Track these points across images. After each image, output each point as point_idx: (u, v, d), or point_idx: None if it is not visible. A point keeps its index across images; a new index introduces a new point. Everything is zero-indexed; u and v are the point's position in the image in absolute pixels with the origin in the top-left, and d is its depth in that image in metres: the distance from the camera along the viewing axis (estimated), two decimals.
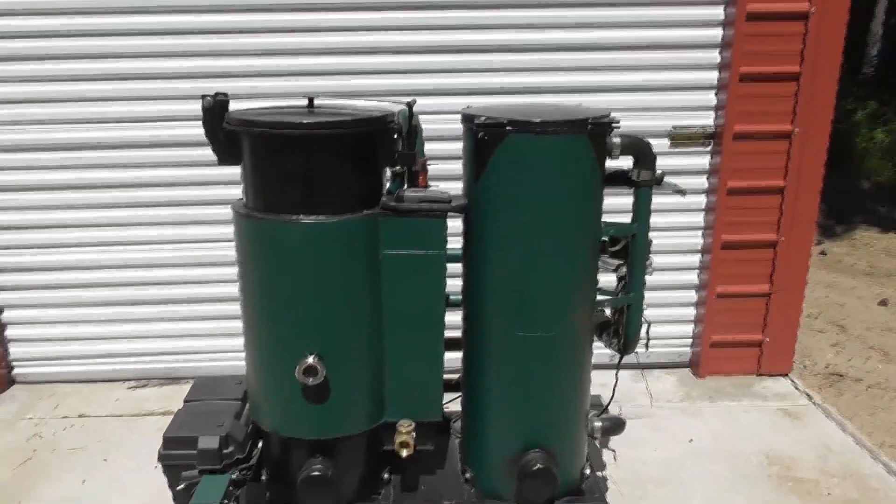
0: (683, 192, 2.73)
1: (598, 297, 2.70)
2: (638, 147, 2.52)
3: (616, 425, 2.94)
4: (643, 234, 2.62)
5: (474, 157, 2.45)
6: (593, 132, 2.37)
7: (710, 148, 4.06)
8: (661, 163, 4.04)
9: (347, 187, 2.39)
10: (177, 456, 2.61)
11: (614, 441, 3.65)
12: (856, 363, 4.85)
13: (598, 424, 2.84)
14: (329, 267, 2.36)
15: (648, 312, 4.32)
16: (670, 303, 4.34)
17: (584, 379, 2.66)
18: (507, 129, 2.32)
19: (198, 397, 2.91)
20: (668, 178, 2.70)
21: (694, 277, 4.30)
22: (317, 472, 2.45)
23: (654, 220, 4.12)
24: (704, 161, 4.09)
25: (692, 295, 4.33)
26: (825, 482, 3.33)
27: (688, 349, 4.43)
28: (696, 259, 4.27)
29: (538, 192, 2.36)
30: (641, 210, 2.60)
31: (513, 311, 2.48)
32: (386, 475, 2.74)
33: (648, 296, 4.28)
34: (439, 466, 2.87)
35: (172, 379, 4.22)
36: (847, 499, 3.21)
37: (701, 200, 4.16)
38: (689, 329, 4.40)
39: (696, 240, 4.23)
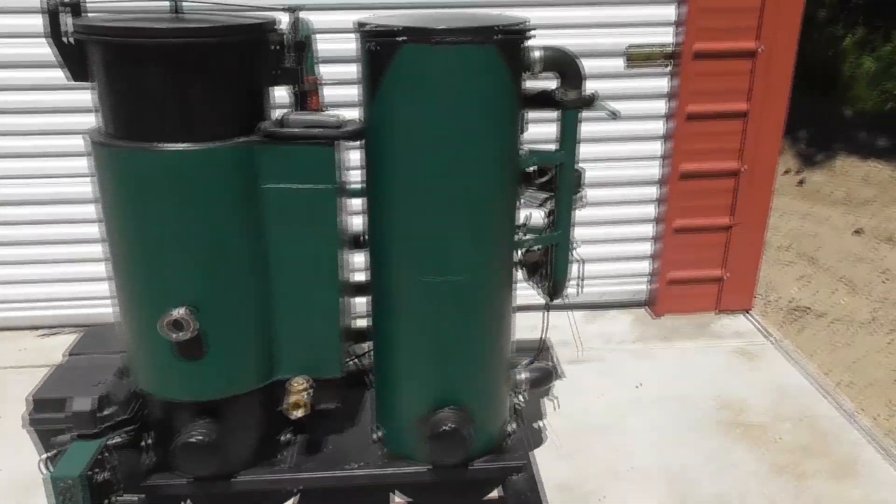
0: (616, 114, 2.38)
1: (524, 237, 2.39)
2: (562, 62, 2.16)
3: (544, 376, 2.67)
4: (570, 162, 2.28)
5: (369, 74, 2.08)
6: (504, 42, 2.00)
7: (669, 69, 3.67)
8: (616, 86, 3.70)
9: (218, 109, 2.02)
10: (48, 419, 2.32)
11: (559, 388, 3.41)
12: (821, 297, 4.61)
13: (523, 377, 2.57)
14: (198, 203, 2.02)
15: (603, 249, 4.05)
16: (626, 238, 4.05)
17: (502, 329, 2.37)
18: (402, 38, 1.94)
19: (82, 351, 2.61)
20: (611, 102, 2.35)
21: (651, 211, 3.99)
22: (194, 439, 2.17)
23: (610, 149, 3.84)
24: (663, 84, 3.72)
25: (649, 229, 4.02)
26: (776, 427, 3.12)
27: (644, 287, 4.16)
28: (653, 191, 3.95)
29: (440, 113, 2.01)
30: (568, 135, 2.25)
31: (417, 253, 2.16)
32: (287, 436, 2.47)
33: (602, 231, 4.01)
34: (351, 425, 2.61)
35: (90, 326, 3.89)
36: (798, 444, 3.00)
37: (659, 127, 3.81)
38: (645, 266, 4.11)
39: (654, 170, 3.90)
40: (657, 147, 3.84)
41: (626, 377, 3.50)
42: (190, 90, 1.97)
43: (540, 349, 2.78)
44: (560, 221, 2.36)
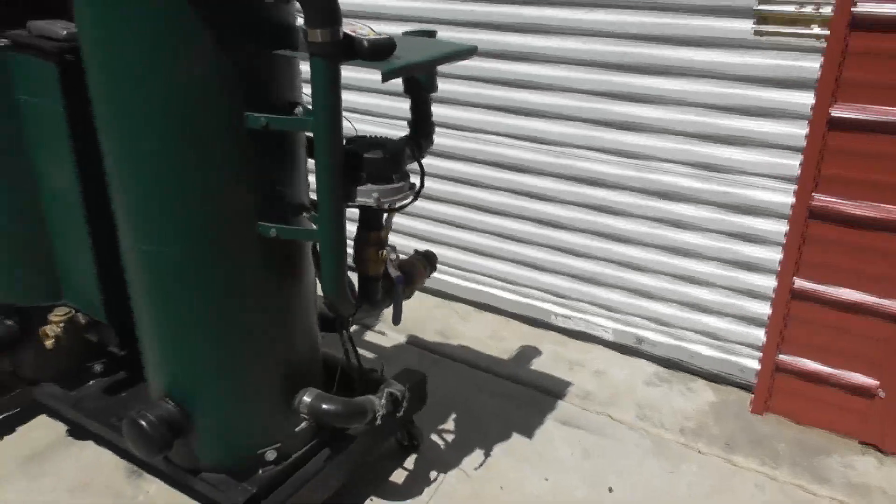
0: (431, 90, 1.56)
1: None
2: None
3: (349, 412, 2.01)
4: (323, 133, 1.59)
5: None
6: None
7: (824, 43, 2.30)
8: (737, 62, 2.50)
9: None
10: None
11: (513, 447, 2.59)
12: None
13: (307, 399, 1.99)
14: None
15: (702, 294, 2.87)
16: (736, 288, 2.79)
17: (254, 324, 1.86)
18: None
19: None
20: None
21: (777, 257, 2.65)
22: None
23: (723, 154, 2.61)
24: (814, 66, 2.35)
25: (771, 283, 2.69)
26: None
27: (755, 365, 2.84)
28: (783, 228, 2.60)
29: (116, 30, 1.58)
30: (316, 93, 1.57)
31: (123, 211, 1.80)
32: (98, 367, 2.38)
33: (703, 269, 2.82)
34: None
35: None
36: None
37: (801, 133, 2.45)
38: (760, 334, 2.79)
39: (788, 197, 2.56)
40: (795, 164, 2.49)
41: (608, 473, 2.47)
42: None
43: (340, 377, 2.12)
44: (320, 212, 1.69)
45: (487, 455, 2.54)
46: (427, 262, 2.15)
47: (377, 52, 1.57)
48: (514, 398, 2.84)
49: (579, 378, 2.99)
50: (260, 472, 2.00)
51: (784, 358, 2.64)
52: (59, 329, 2.11)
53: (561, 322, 3.26)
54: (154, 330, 1.90)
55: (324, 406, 1.99)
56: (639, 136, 2.77)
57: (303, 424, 2.03)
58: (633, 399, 2.86)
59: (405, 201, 1.81)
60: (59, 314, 2.14)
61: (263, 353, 1.91)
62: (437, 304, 3.53)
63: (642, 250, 2.94)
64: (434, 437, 2.63)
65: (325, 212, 1.68)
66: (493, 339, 3.25)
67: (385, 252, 1.86)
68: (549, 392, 2.89)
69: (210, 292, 1.79)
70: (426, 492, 2.38)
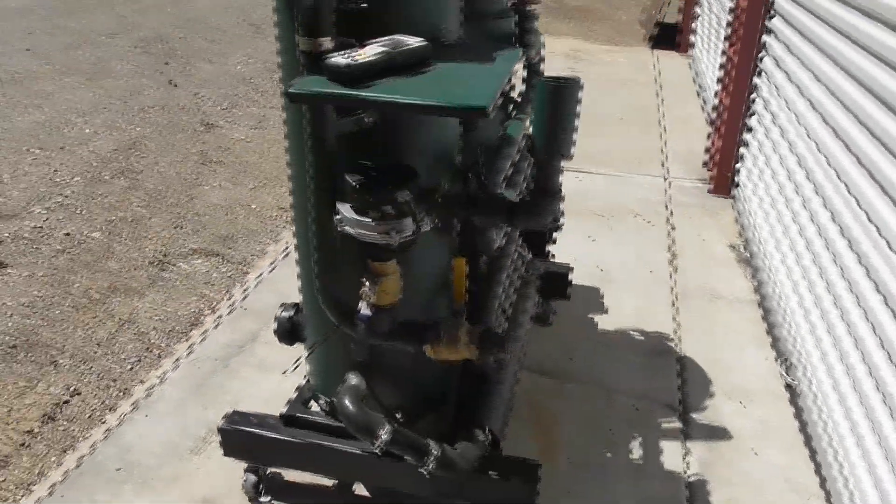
0: None
1: None
2: None
3: (350, 420, 1.94)
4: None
5: None
6: None
7: None
8: None
9: None
10: None
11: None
12: None
13: (347, 381, 2.04)
14: None
15: None
16: None
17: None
18: None
19: None
20: None
21: None
22: None
23: None
24: None
25: None
26: None
27: None
28: None
29: None
30: None
31: None
32: None
33: None
34: None
35: None
36: None
37: None
38: None
39: None
40: None
41: None
42: None
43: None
44: None
45: None
46: (480, 340, 1.79)
47: (346, 76, 1.49)
48: None
49: None
50: (313, 407, 2.27)
51: None
52: None
53: None
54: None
55: (341, 395, 2.01)
56: None
57: (332, 397, 2.13)
58: None
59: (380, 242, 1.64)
60: None
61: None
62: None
63: None
64: None
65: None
66: None
67: (365, 282, 1.74)
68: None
69: (309, 243, 2.09)
70: None
